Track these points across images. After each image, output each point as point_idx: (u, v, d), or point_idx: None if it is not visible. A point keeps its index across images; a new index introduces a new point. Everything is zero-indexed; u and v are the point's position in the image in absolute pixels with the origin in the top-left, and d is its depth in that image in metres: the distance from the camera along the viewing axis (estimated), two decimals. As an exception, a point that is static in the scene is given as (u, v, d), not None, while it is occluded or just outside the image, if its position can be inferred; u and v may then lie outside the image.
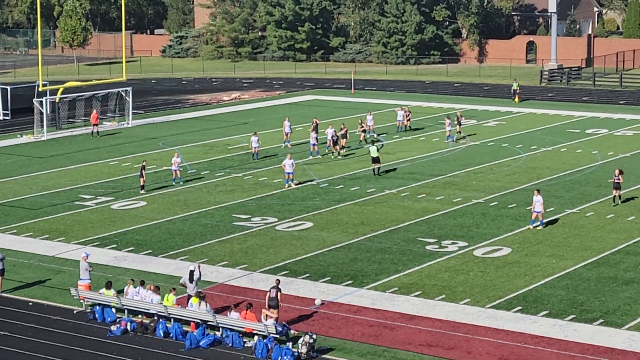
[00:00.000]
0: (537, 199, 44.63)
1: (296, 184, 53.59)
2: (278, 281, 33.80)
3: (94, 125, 70.47)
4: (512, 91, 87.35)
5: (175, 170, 54.36)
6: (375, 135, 66.82)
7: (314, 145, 61.81)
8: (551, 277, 38.07)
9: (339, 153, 61.35)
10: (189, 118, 79.26)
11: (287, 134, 64.82)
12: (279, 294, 33.02)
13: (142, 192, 52.29)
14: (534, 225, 44.95)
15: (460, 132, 67.32)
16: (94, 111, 71.61)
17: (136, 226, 46.08)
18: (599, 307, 34.88)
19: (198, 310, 32.88)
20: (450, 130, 66.63)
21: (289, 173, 53.47)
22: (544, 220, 45.23)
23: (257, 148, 60.86)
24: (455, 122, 67.35)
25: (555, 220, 46.16)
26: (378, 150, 56.59)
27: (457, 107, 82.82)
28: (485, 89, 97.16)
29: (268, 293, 33.21)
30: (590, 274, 38.52)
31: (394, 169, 57.54)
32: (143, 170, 52.62)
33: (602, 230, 44.66)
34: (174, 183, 54.19)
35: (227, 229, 45.34)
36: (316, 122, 64.42)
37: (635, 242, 42.59)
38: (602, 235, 43.76)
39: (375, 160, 56.23)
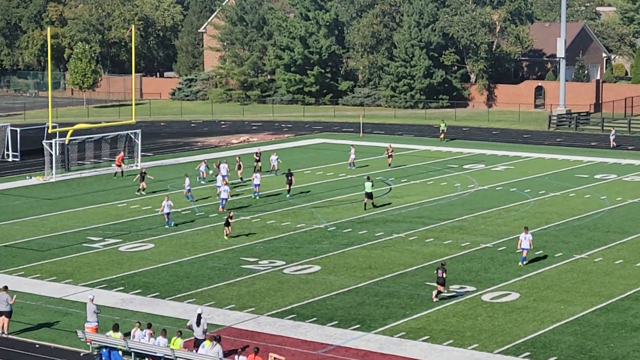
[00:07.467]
0: (525, 237, 45.54)
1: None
2: (444, 263, 41.26)
3: (117, 166, 71.16)
4: (440, 131, 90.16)
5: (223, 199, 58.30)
6: (276, 174, 70.44)
7: (257, 185, 62.82)
8: (560, 323, 37.90)
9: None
10: (198, 160, 79.36)
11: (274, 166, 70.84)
12: (444, 273, 39.65)
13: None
14: (524, 262, 45.84)
15: (390, 164, 74.76)
16: (121, 153, 72.94)
17: (144, 268, 46.04)
18: (607, 353, 34.67)
19: (210, 352, 32.64)
20: (353, 158, 73.98)
21: (223, 199, 58.55)
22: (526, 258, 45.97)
23: (258, 186, 63.07)
24: (386, 154, 75.06)
25: (546, 262, 46.06)
26: (373, 185, 58.92)
27: (466, 152, 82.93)
28: (493, 133, 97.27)
29: (436, 272, 40.08)
30: (599, 319, 38.34)
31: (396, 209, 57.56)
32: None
33: (610, 275, 44.50)
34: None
35: (235, 272, 45.27)
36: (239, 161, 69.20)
37: (644, 288, 42.44)
38: (610, 281, 43.58)
39: (369, 195, 57.28)
